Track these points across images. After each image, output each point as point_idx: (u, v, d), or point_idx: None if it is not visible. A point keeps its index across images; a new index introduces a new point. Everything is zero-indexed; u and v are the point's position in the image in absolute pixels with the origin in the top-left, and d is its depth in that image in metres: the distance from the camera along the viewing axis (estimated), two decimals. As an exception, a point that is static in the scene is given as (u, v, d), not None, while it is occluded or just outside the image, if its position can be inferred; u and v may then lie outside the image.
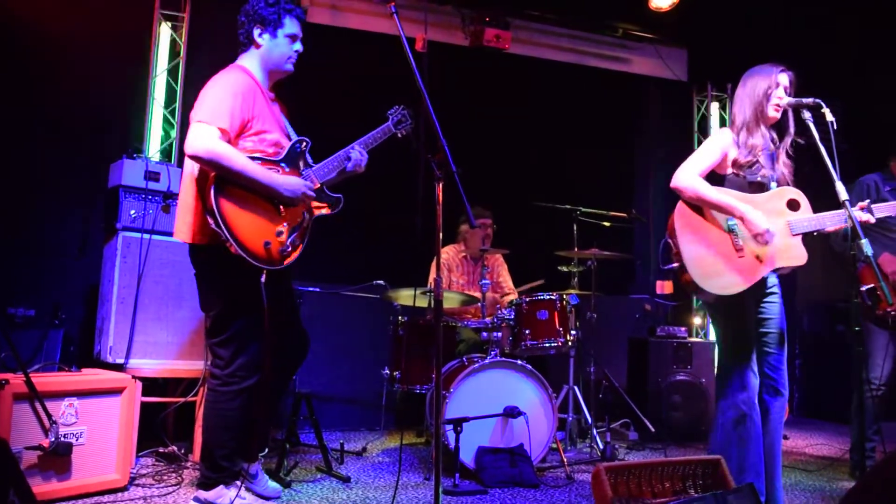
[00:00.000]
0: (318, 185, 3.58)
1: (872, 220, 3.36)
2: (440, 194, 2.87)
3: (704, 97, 7.76)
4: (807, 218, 3.36)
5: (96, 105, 5.40)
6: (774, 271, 3.39)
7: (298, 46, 3.59)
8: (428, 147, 2.90)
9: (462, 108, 6.41)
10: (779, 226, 3.36)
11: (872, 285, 4.44)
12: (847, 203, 3.17)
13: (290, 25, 3.53)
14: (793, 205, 3.39)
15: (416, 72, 2.90)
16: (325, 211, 3.68)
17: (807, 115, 3.35)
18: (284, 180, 3.39)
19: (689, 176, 3.44)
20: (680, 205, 3.49)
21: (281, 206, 3.41)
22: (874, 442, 4.64)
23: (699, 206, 3.46)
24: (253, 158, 3.33)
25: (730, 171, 3.52)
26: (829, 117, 3.20)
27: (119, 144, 5.06)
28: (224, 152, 3.20)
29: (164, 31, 5.70)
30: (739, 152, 3.46)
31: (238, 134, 3.35)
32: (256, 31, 3.49)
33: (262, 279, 3.30)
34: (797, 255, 3.35)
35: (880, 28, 6.78)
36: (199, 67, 5.64)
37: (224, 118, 3.26)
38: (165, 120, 5.63)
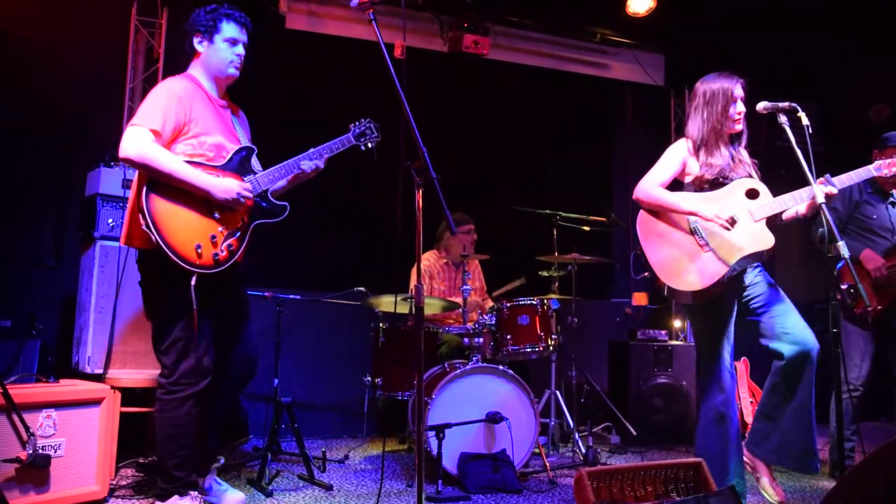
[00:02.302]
0: (262, 191, 3.56)
1: (835, 191, 3.38)
2: (420, 201, 2.87)
3: (682, 101, 7.81)
4: (767, 202, 3.44)
5: (71, 112, 5.35)
6: (748, 258, 3.41)
7: (240, 50, 3.59)
8: (408, 153, 2.90)
9: (441, 114, 6.41)
10: (740, 214, 3.42)
11: (850, 284, 4.49)
12: (823, 206, 3.21)
13: (229, 30, 3.54)
14: (752, 194, 3.48)
15: (394, 78, 2.90)
16: (268, 218, 3.62)
17: (783, 118, 3.40)
18: (218, 182, 3.37)
19: (646, 185, 3.61)
20: (640, 214, 3.65)
21: (216, 211, 3.40)
22: (853, 442, 4.68)
23: (659, 212, 3.60)
24: (191, 163, 3.35)
25: (688, 178, 3.60)
26: (805, 121, 3.26)
27: (94, 152, 5.00)
28: (154, 154, 3.23)
29: (142, 39, 5.66)
30: (702, 170, 3.54)
31: (174, 137, 3.37)
32: (196, 40, 3.55)
33: (193, 282, 3.28)
34: (764, 239, 3.41)
35: (856, 32, 6.87)
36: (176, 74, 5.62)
37: (156, 120, 3.29)
38: (143, 127, 5.58)
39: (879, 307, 4.44)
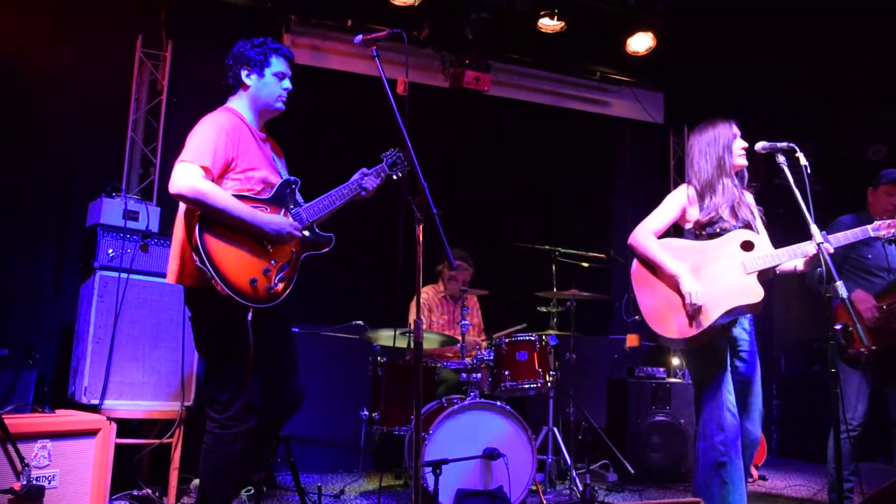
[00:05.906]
0: (309, 224, 3.51)
1: (831, 250, 3.39)
2: (420, 236, 2.89)
3: (681, 139, 7.87)
4: (761, 255, 3.41)
5: (73, 142, 5.39)
6: (733, 312, 3.41)
7: (287, 84, 3.56)
8: (409, 188, 2.92)
9: (442, 150, 6.45)
10: (732, 266, 3.42)
11: (845, 323, 4.45)
12: (821, 246, 3.21)
13: (277, 64, 3.52)
14: (747, 245, 3.46)
15: (396, 114, 2.92)
16: (315, 250, 3.57)
17: (781, 158, 3.41)
18: (269, 218, 3.32)
19: (641, 233, 3.64)
20: (635, 261, 3.67)
21: (268, 244, 3.35)
22: (851, 483, 4.64)
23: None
24: (239, 197, 3.30)
25: (688, 225, 3.61)
26: (803, 161, 3.26)
27: (96, 182, 5.03)
28: (207, 190, 3.17)
29: (146, 71, 5.72)
30: (701, 213, 3.55)
31: (223, 172, 3.32)
32: (244, 73, 3.48)
33: (249, 317, 3.26)
34: (752, 294, 3.38)
35: (854, 71, 6.95)
36: (179, 107, 5.67)
37: (207, 157, 3.23)
38: (145, 158, 5.63)
39: (874, 347, 4.41)
